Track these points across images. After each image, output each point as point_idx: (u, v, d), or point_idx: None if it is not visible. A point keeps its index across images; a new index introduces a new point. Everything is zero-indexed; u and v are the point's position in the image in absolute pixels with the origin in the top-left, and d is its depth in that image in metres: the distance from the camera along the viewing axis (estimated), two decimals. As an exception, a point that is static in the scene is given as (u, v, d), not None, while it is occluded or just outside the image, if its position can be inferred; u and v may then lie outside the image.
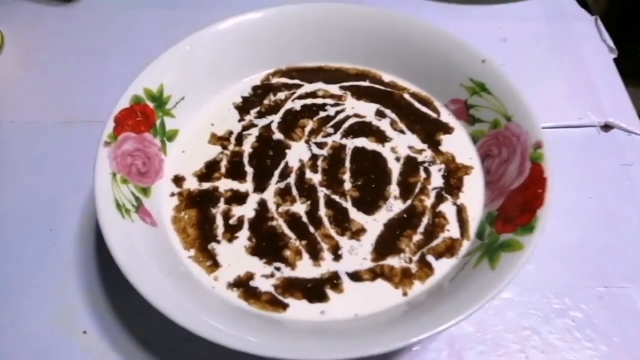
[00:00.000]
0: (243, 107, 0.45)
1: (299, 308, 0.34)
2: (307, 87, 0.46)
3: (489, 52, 0.41)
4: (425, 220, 0.38)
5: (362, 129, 0.43)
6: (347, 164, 0.41)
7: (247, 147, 0.42)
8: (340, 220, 0.38)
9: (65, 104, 0.53)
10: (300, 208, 0.39)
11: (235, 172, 0.41)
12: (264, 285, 0.35)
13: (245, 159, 0.42)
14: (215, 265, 0.36)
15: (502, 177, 0.38)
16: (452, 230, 0.38)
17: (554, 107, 0.51)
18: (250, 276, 0.36)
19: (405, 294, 0.35)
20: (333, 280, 0.35)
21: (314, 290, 0.35)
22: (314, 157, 0.42)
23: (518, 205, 0.35)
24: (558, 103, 0.52)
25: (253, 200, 0.39)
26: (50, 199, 0.45)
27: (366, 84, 0.46)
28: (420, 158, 0.41)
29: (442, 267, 0.36)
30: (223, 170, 0.41)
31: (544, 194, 0.34)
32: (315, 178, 0.40)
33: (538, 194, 0.34)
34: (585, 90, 0.53)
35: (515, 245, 0.33)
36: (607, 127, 0.50)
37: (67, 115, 0.51)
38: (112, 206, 0.35)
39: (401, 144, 0.42)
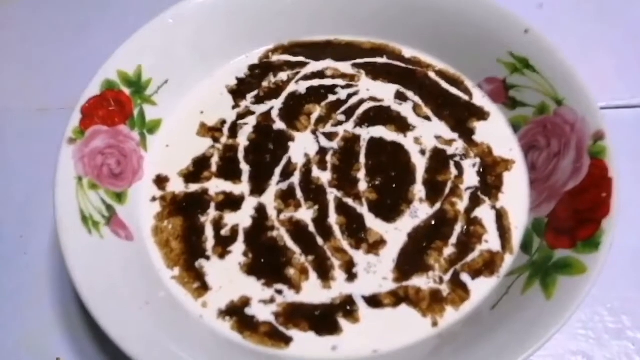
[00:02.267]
0: (238, 91, 0.43)
1: (305, 342, 0.32)
2: (314, 66, 0.44)
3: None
4: (457, 228, 0.36)
5: (380, 115, 0.41)
6: (362, 159, 0.39)
7: (242, 140, 0.40)
8: (355, 229, 0.36)
9: (39, 89, 0.51)
10: (306, 215, 0.37)
11: (229, 170, 0.39)
12: (263, 313, 0.33)
13: (241, 155, 0.40)
14: (203, 287, 0.34)
15: (552, 175, 0.35)
16: (490, 241, 0.35)
17: (602, 84, 0.46)
18: (245, 302, 0.34)
19: (435, 323, 0.33)
20: (347, 307, 0.33)
21: (324, 320, 0.33)
22: (323, 151, 0.40)
23: (575, 213, 0.33)
24: (607, 80, 0.48)
25: (249, 205, 0.37)
26: (21, 200, 0.43)
27: (383, 60, 0.44)
28: (450, 151, 0.39)
29: (481, 288, 0.33)
30: (214, 168, 0.39)
31: (610, 200, 0.31)
32: (324, 177, 0.38)
33: (602, 199, 0.31)
34: (638, 65, 0.49)
35: (576, 267, 0.30)
36: None
37: (42, 102, 0.49)
38: (77, 220, 0.33)
39: (427, 134, 0.40)
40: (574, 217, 0.32)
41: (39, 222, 0.41)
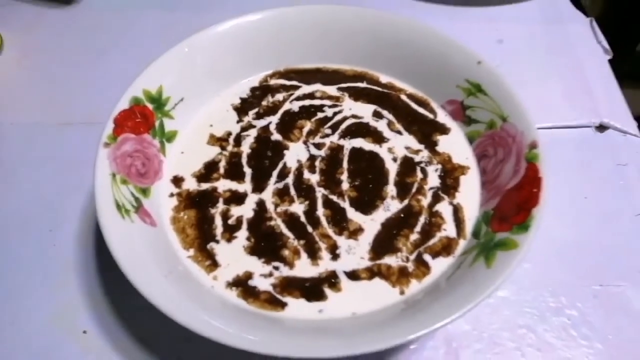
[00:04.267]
0: (241, 109, 0.45)
1: (297, 307, 0.34)
2: (305, 89, 0.46)
3: (485, 54, 0.42)
4: (422, 219, 0.38)
5: (360, 129, 0.43)
6: (345, 164, 0.41)
7: (245, 148, 0.43)
8: (338, 220, 0.38)
9: (64, 106, 0.53)
10: (298, 208, 0.39)
11: (234, 172, 0.41)
12: (263, 284, 0.35)
13: (244, 160, 0.42)
14: (214, 264, 0.36)
15: (498, 177, 0.38)
16: (448, 229, 0.38)
17: (550, 107, 0.51)
18: (249, 275, 0.36)
19: (402, 292, 0.35)
20: (331, 279, 0.36)
21: (312, 289, 0.35)
22: (312, 158, 0.42)
23: (514, 205, 0.35)
24: (554, 104, 0.52)
25: (252, 200, 0.39)
26: (50, 200, 0.45)
27: (364, 85, 0.46)
28: (417, 158, 0.42)
29: (439, 265, 0.36)
30: (222, 171, 0.41)
31: (539, 193, 0.34)
32: (313, 178, 0.40)
33: (533, 194, 0.34)
34: (581, 91, 0.53)
35: (511, 244, 0.33)
36: (602, 128, 0.50)
37: (66, 117, 0.51)
38: (112, 207, 0.35)
39: (398, 145, 0.42)
40: (513, 208, 0.35)
41: (66, 217, 0.44)
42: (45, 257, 0.42)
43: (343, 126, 0.44)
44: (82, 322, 0.39)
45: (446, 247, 0.37)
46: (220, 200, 0.40)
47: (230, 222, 0.38)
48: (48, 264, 0.42)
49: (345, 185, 0.40)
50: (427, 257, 0.37)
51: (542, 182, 0.35)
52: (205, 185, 0.40)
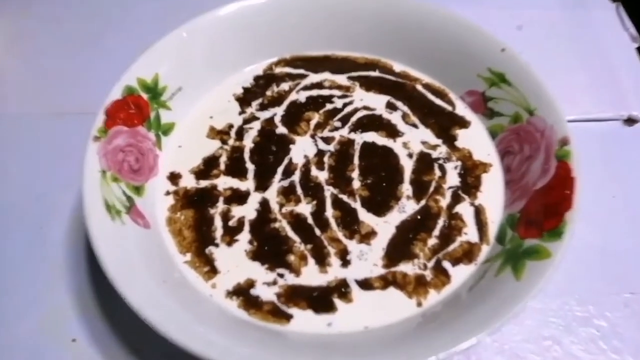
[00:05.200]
0: (244, 99, 0.44)
1: (304, 319, 0.33)
2: (313, 78, 0.45)
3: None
4: (440, 222, 0.37)
5: (372, 122, 0.42)
6: (356, 160, 0.40)
7: (248, 142, 0.41)
8: (349, 222, 0.37)
9: (56, 95, 0.51)
10: (305, 208, 0.38)
11: (236, 169, 0.40)
12: (266, 293, 0.34)
13: (246, 155, 0.41)
14: (213, 271, 0.35)
15: (524, 176, 0.37)
16: (470, 233, 0.36)
17: (573, 99, 0.49)
18: (251, 283, 0.35)
19: (419, 304, 0.34)
20: (341, 289, 0.34)
21: (321, 300, 0.34)
22: (320, 153, 0.40)
23: (543, 208, 0.34)
24: (578, 95, 0.50)
25: (254, 199, 0.38)
26: (40, 196, 0.44)
27: (376, 74, 0.45)
28: (434, 154, 0.40)
29: (460, 274, 0.35)
30: (222, 166, 0.40)
31: (572, 196, 0.33)
32: (322, 176, 0.39)
33: (565, 196, 0.33)
34: (607, 82, 0.51)
35: (542, 253, 0.31)
36: (630, 121, 0.48)
37: (59, 107, 0.50)
38: (101, 207, 0.34)
39: (414, 139, 0.41)
40: (542, 212, 0.33)
41: (57, 215, 0.42)
42: (34, 256, 0.41)
43: (354, 119, 0.42)
44: (71, 330, 0.37)
45: (467, 254, 0.35)
46: (221, 199, 0.38)
47: (230, 223, 0.37)
48: (37, 265, 0.40)
49: (356, 184, 0.39)
50: (446, 265, 0.35)
51: (576, 183, 0.33)
52: (204, 183, 0.39)
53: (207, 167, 0.40)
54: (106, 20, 0.57)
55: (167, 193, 0.39)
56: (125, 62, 0.39)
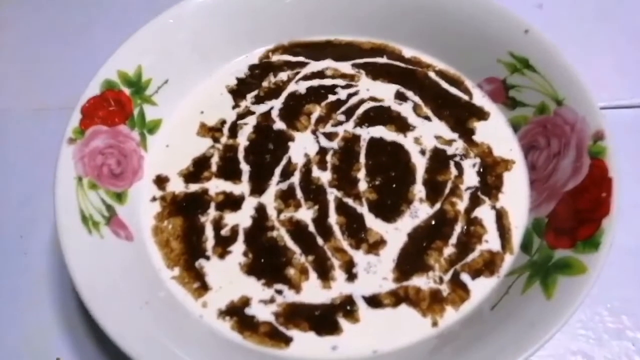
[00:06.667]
0: (238, 91, 0.43)
1: (305, 342, 0.32)
2: (314, 66, 0.44)
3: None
4: (457, 228, 0.36)
5: (380, 115, 0.41)
6: (362, 158, 0.39)
7: (242, 140, 0.40)
8: (355, 229, 0.36)
9: (38, 89, 0.50)
10: (306, 215, 0.36)
11: (229, 170, 0.39)
12: (263, 313, 0.33)
13: (241, 155, 0.39)
14: (203, 287, 0.34)
15: (552, 174, 0.35)
16: (491, 241, 0.35)
17: (600, 84, 0.45)
18: (245, 302, 0.33)
19: (435, 323, 0.32)
20: (347, 307, 0.33)
21: (324, 320, 0.33)
22: (323, 151, 0.39)
23: (575, 213, 0.32)
24: (605, 80, 0.48)
25: (249, 205, 0.37)
26: (22, 201, 0.43)
27: (383, 60, 0.44)
28: (450, 151, 0.39)
29: (481, 288, 0.33)
30: (214, 168, 0.39)
31: (610, 199, 0.31)
32: (324, 177, 0.38)
33: (602, 199, 0.31)
34: (637, 65, 0.49)
35: (576, 267, 0.30)
36: None
37: (41, 102, 0.49)
38: (77, 220, 0.33)
39: (427, 134, 0.40)
40: (574, 217, 0.32)
41: (39, 222, 0.41)
42: (15, 268, 0.40)
43: (359, 111, 0.41)
44: (55, 348, 0.37)
45: (488, 264, 0.34)
46: (212, 205, 0.37)
47: (223, 232, 0.36)
48: (18, 277, 0.40)
49: (362, 186, 0.37)
50: (465, 278, 0.34)
51: (613, 184, 0.31)
52: (194, 187, 0.38)
53: (198, 169, 0.39)
54: (93, 9, 0.56)
55: (153, 199, 0.38)
56: (111, 53, 0.39)
